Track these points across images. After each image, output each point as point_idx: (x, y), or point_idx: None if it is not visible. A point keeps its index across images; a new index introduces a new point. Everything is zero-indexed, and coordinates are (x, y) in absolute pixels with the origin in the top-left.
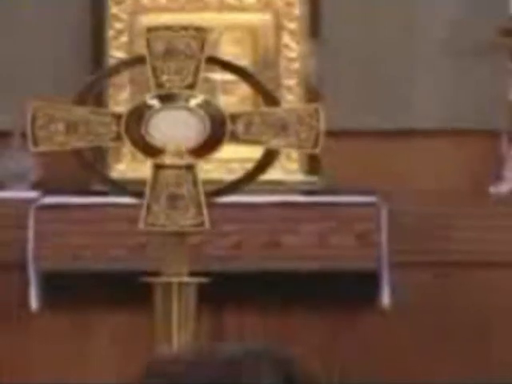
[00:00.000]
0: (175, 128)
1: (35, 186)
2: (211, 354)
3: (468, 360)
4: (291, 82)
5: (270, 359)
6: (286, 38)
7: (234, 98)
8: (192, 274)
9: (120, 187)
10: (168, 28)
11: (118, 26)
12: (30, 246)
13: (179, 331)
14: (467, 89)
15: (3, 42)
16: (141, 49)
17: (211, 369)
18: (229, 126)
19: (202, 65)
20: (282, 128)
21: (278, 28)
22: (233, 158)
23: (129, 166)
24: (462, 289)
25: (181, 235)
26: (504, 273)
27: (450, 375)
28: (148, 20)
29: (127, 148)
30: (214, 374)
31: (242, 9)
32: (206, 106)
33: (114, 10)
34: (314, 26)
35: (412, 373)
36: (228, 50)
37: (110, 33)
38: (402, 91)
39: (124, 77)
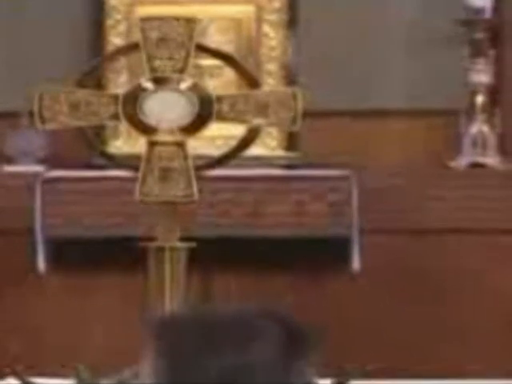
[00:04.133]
0: (167, 108)
1: (41, 161)
2: (210, 316)
3: (434, 320)
4: (271, 67)
5: (272, 317)
6: (267, 28)
7: (220, 81)
8: (182, 239)
9: (117, 161)
10: (161, 18)
11: (117, 16)
12: (38, 214)
13: (171, 291)
14: (431, 73)
15: (12, 32)
16: (137, 37)
17: (214, 330)
18: (215, 107)
19: (192, 52)
20: (264, 108)
21: (260, 19)
22: (219, 136)
23: (125, 143)
24: (428, 253)
25: (172, 204)
26: (466, 238)
27: (417, 336)
28: (143, 11)
29: (124, 126)
30: (216, 335)
31: (228, 2)
32: (195, 88)
33: (113, 2)
34: (292, 18)
35: (380, 332)
36: (215, 39)
37: (109, 22)
38: (373, 76)
39: (121, 62)
